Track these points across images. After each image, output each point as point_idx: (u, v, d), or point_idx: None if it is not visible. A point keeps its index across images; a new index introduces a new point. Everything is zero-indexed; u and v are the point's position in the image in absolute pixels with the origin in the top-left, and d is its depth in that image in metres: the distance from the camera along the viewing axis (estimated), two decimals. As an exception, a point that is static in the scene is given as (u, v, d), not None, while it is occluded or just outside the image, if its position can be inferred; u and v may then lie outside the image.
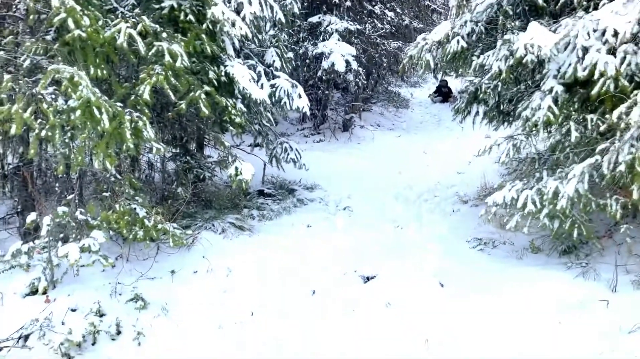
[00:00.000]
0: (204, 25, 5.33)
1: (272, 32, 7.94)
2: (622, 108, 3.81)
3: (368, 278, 5.12)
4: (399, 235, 6.45)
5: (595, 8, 4.59)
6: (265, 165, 8.07)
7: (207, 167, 6.92)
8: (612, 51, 4.11)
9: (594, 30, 4.23)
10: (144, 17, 4.75)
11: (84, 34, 4.24)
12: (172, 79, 4.85)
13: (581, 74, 4.26)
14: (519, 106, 5.13)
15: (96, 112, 4.20)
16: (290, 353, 4.11)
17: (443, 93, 17.58)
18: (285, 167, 7.82)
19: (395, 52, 12.88)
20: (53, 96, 4.22)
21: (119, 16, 4.75)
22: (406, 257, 5.52)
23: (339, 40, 10.91)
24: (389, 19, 12.71)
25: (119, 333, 4.27)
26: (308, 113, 7.27)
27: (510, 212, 4.94)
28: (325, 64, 10.49)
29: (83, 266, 4.83)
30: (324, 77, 11.26)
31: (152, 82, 4.71)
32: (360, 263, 5.44)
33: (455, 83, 21.01)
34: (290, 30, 11.42)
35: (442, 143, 12.48)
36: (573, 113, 4.61)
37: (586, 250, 5.11)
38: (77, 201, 4.72)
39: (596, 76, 4.11)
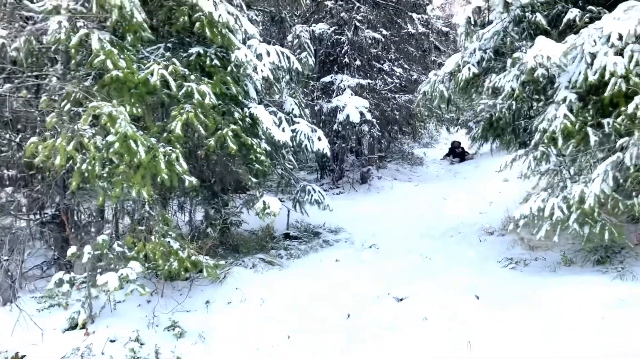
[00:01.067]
0: (229, 69, 5.69)
1: (288, 86, 8.38)
2: (637, 99, 3.95)
3: (401, 299, 5.09)
4: (427, 263, 6.44)
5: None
6: (289, 211, 8.20)
7: (234, 213, 7.09)
8: (619, 53, 4.31)
9: (599, 37, 4.45)
10: (175, 60, 5.12)
11: (121, 74, 4.58)
12: (201, 116, 5.13)
13: (592, 78, 4.44)
14: (535, 121, 5.29)
15: (133, 144, 4.46)
16: (331, 370, 4.05)
17: (458, 154, 17.19)
18: (309, 212, 7.92)
19: (407, 105, 13.33)
20: (92, 132, 4.49)
21: (151, 61, 5.12)
22: (437, 279, 5.49)
23: (351, 94, 11.36)
24: (397, 74, 13.25)
25: (158, 360, 4.27)
26: (329, 154, 7.48)
27: (539, 223, 4.96)
28: (340, 117, 10.86)
29: (120, 302, 4.93)
30: (340, 131, 11.64)
31: (183, 119, 5.00)
32: (391, 287, 5.42)
33: (465, 142, 21.26)
34: (305, 90, 11.98)
35: (460, 191, 12.50)
36: (589, 119, 4.74)
37: (619, 257, 5.07)
38: (113, 235, 4.87)
39: (607, 77, 4.29)
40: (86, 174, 4.46)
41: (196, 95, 5.09)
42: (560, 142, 4.84)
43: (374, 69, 13.06)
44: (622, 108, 4.21)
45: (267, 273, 5.88)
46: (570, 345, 3.70)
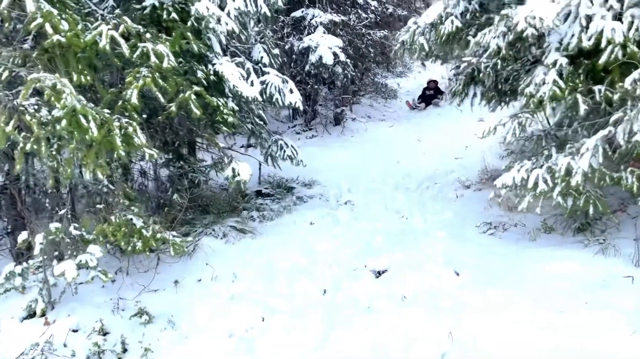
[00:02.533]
0: (189, 23, 5.12)
1: (257, 29, 7.76)
2: (636, 74, 3.64)
3: (379, 273, 4.94)
4: (405, 225, 6.27)
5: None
6: (260, 164, 7.85)
7: (201, 172, 6.70)
8: (617, 17, 3.94)
9: (597, -2, 4.06)
10: (126, 18, 4.52)
11: (63, 39, 4.00)
12: (160, 81, 4.62)
13: (586, 44, 4.09)
14: (520, 83, 4.95)
15: (83, 120, 3.98)
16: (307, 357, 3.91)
17: (427, 97, 14.54)
18: (281, 165, 7.59)
19: (382, 42, 12.73)
20: (36, 107, 3.99)
21: (99, 19, 4.52)
22: (416, 247, 5.34)
23: (324, 32, 10.70)
24: (372, 8, 12.53)
25: (125, 351, 4.05)
26: (301, 108, 7.05)
27: (521, 193, 4.76)
28: (312, 58, 10.27)
29: (81, 283, 4.63)
30: (312, 72, 11.07)
31: (139, 85, 4.49)
32: (369, 257, 5.25)
33: (441, 72, 20.44)
34: (274, 27, 11.23)
35: (435, 131, 12.29)
36: (579, 85, 4.43)
37: (601, 226, 4.95)
38: (69, 216, 4.49)
39: (603, 44, 3.94)
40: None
41: (153, 58, 4.55)
42: (548, 108, 4.55)
43: (348, 3, 12.30)
44: (619, 83, 3.90)
45: (239, 243, 5.62)
46: (554, 330, 3.61)
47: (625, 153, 4.18)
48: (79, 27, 4.26)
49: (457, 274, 4.68)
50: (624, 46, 3.90)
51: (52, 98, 3.88)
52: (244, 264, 5.12)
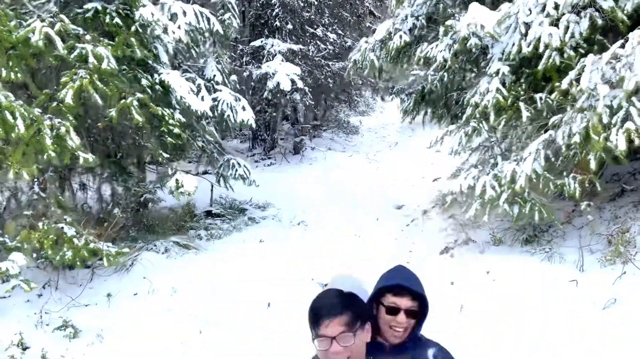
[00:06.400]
0: (133, 28, 4.99)
1: (212, 49, 7.72)
2: (572, 74, 3.69)
3: (327, 285, 4.75)
4: (358, 243, 6.14)
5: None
6: (212, 186, 7.64)
7: (148, 190, 6.46)
8: (554, 23, 4.03)
9: (535, 6, 4.16)
10: (63, 17, 4.38)
11: (-8, 32, 3.83)
12: (99, 83, 4.45)
13: (526, 50, 4.16)
14: (467, 94, 5.00)
15: (9, 116, 3.76)
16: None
17: None
18: (235, 187, 7.40)
19: (341, 73, 12.89)
20: (-42, 101, 3.76)
21: (35, 17, 4.36)
22: (366, 261, 5.19)
23: (282, 60, 10.76)
24: (331, 40, 12.73)
25: (45, 365, 3.72)
26: (254, 126, 6.94)
27: (469, 202, 4.72)
28: (270, 84, 10.26)
29: (3, 297, 4.30)
30: (270, 99, 11.07)
31: (75, 86, 4.30)
32: (317, 272, 5.07)
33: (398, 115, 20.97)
34: (233, 54, 11.26)
35: (393, 162, 12.40)
36: (521, 93, 4.49)
37: (547, 237, 4.94)
38: (-8, 221, 4.19)
39: (541, 49, 4.01)
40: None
41: (91, 59, 4.39)
42: (492, 117, 4.58)
43: (307, 34, 12.46)
44: (556, 84, 3.95)
45: (182, 259, 5.37)
46: (502, 327, 3.49)
47: (567, 159, 4.19)
48: (12, 23, 4.10)
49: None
50: (560, 51, 3.98)
51: (-24, 92, 3.68)
52: (185, 278, 4.86)
